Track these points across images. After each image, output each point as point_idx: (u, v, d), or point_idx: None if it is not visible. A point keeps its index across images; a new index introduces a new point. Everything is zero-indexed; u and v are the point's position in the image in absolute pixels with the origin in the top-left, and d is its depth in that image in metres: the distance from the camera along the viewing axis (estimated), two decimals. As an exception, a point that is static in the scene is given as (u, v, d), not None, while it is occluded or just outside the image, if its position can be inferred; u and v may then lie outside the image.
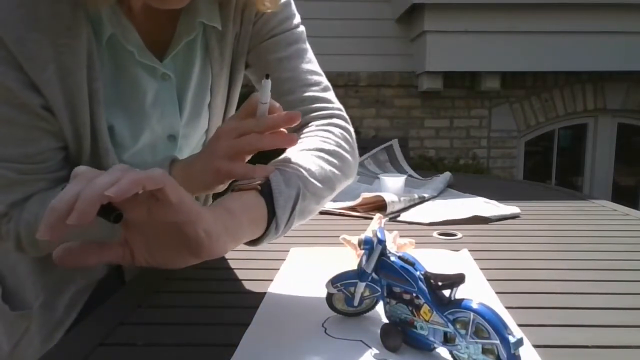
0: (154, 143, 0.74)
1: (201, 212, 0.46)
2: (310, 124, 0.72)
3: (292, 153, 0.63)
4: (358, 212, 1.18)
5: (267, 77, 0.55)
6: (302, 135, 0.69)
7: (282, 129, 0.58)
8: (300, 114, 0.59)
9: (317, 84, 0.76)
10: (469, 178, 2.00)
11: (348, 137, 0.72)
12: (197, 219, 0.45)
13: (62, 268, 0.69)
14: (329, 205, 1.21)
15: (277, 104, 0.58)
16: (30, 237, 0.63)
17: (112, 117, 0.68)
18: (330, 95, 0.77)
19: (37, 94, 0.60)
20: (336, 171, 0.65)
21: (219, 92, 0.77)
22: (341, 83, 3.81)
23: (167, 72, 0.69)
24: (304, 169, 0.59)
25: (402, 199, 1.23)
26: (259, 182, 0.54)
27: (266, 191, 0.54)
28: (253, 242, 0.56)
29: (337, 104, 0.77)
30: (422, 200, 1.31)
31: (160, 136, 0.74)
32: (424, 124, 3.95)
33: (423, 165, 3.68)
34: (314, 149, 0.65)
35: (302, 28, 0.80)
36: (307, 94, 0.74)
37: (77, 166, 0.45)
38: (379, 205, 1.18)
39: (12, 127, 0.60)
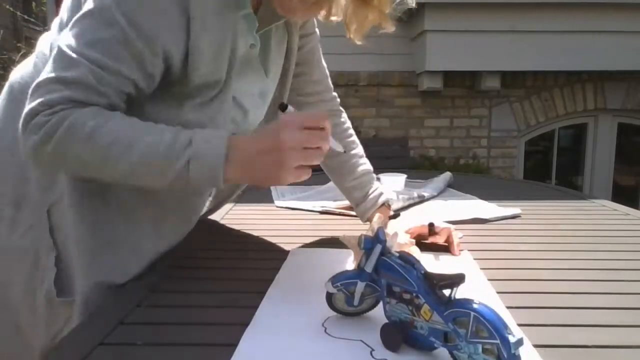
0: None
1: None
2: (337, 114, 1.00)
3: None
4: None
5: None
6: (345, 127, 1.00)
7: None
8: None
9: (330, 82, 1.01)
10: (469, 178, 1.99)
11: None
12: None
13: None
14: (329, 205, 1.21)
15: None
16: (62, 141, 0.62)
17: None
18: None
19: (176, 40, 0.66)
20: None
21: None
22: (341, 83, 3.79)
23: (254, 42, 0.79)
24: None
25: (400, 196, 1.23)
26: None
27: None
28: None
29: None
30: (422, 199, 1.31)
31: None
32: (424, 123, 3.93)
33: (423, 165, 3.68)
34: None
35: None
36: (333, 92, 1.02)
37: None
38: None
39: (128, 46, 0.64)
